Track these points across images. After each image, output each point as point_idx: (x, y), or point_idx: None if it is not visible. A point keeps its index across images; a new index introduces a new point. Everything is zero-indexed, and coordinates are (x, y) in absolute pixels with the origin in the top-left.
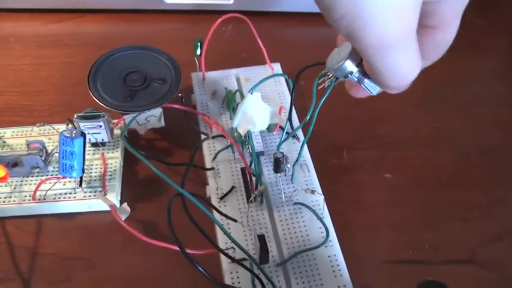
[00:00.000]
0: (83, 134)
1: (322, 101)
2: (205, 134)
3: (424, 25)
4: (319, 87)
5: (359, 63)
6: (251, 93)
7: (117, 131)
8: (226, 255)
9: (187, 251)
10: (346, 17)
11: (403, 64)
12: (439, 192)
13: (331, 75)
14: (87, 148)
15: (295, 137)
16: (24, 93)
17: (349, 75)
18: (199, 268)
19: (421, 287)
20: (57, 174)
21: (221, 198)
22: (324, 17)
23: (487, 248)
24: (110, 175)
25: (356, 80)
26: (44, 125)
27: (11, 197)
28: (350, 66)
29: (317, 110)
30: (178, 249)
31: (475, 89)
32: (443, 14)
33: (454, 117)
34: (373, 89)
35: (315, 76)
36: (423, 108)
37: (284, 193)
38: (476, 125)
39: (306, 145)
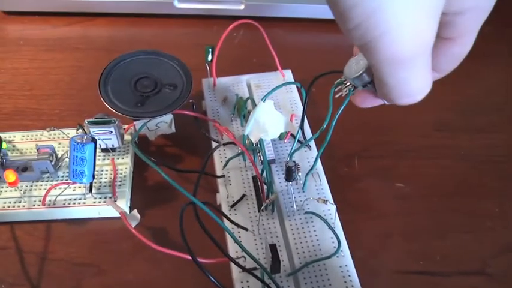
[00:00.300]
0: (94, 140)
1: (340, 110)
2: (216, 141)
3: (441, 36)
4: (336, 96)
5: None
6: (264, 101)
7: (127, 137)
8: (237, 264)
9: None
10: (360, 26)
11: (413, 82)
12: (450, 201)
13: (348, 83)
14: (97, 153)
15: (307, 145)
16: (33, 97)
17: (367, 84)
18: (210, 277)
19: None
20: (67, 180)
21: (232, 206)
22: (339, 26)
23: (498, 259)
24: (120, 181)
25: (374, 89)
26: (53, 130)
27: (20, 202)
28: (369, 75)
29: (334, 120)
30: (188, 257)
31: (484, 97)
32: (462, 26)
33: (465, 126)
34: None
35: (327, 83)
36: (434, 116)
37: (295, 202)
38: (488, 133)
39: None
